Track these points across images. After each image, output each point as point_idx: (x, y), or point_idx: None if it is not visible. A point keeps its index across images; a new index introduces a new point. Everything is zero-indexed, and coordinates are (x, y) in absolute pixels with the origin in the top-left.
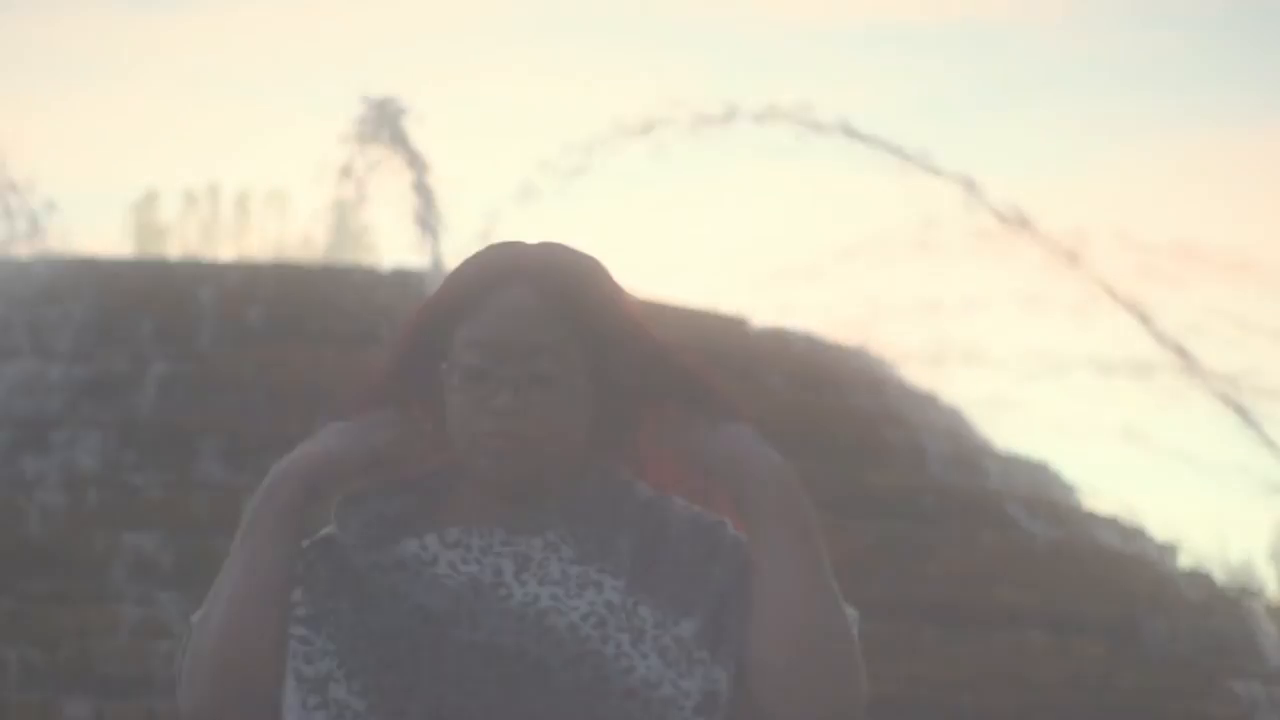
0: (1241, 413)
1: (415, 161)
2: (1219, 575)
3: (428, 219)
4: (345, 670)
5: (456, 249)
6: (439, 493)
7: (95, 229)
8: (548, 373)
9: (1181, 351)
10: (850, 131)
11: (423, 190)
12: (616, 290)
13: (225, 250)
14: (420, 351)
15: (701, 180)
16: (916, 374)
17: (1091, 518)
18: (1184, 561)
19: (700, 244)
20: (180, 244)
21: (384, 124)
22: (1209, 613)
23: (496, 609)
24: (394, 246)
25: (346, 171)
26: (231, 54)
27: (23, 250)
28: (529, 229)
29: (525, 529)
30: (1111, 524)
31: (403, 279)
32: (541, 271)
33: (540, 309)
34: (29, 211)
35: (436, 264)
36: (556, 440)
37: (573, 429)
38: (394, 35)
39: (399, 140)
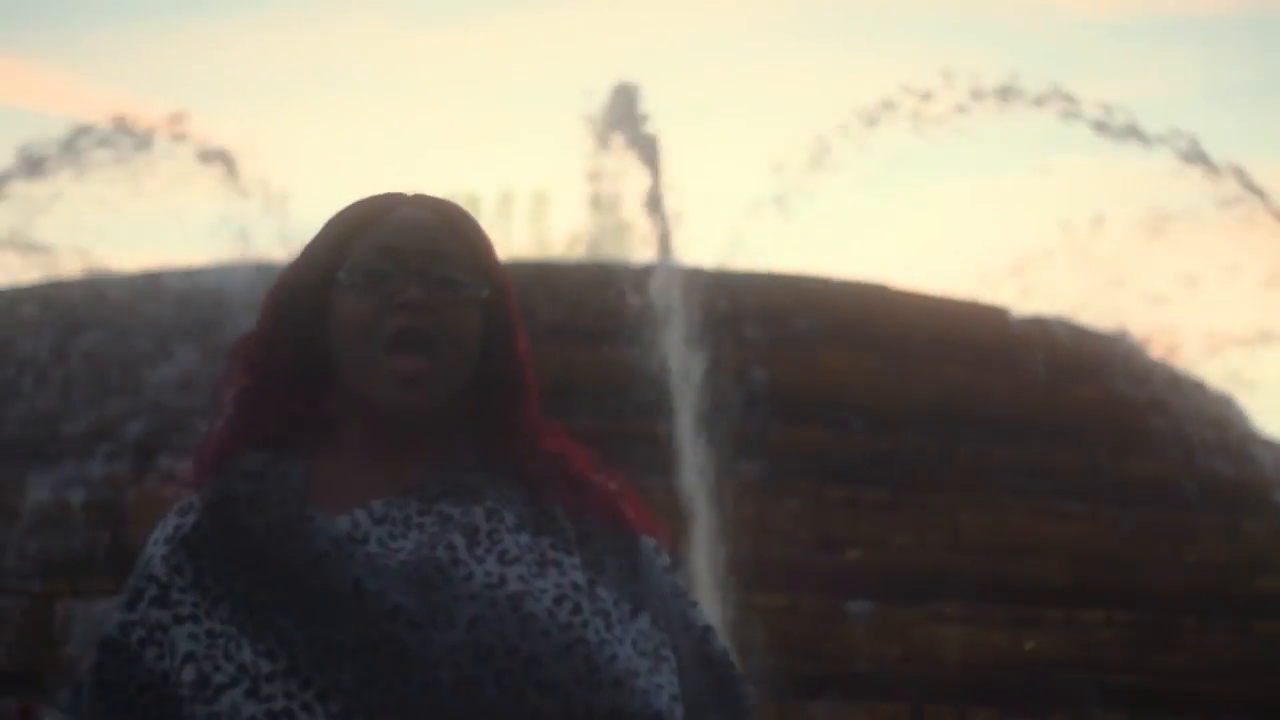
0: None
1: (647, 153)
2: None
3: (657, 210)
4: (314, 692)
5: (695, 241)
6: (311, 458)
7: None
8: (454, 278)
9: None
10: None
11: (652, 182)
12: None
13: None
14: (305, 291)
15: (945, 169)
16: (1185, 360)
17: None
18: None
19: (949, 234)
20: None
21: (621, 120)
22: None
23: (463, 594)
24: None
25: (595, 168)
26: (493, 61)
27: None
28: (784, 215)
29: (445, 495)
30: None
31: (607, 272)
32: (433, 201)
33: (440, 224)
34: (287, 223)
35: (666, 254)
36: (462, 356)
37: (471, 353)
38: (645, 32)
39: (634, 134)
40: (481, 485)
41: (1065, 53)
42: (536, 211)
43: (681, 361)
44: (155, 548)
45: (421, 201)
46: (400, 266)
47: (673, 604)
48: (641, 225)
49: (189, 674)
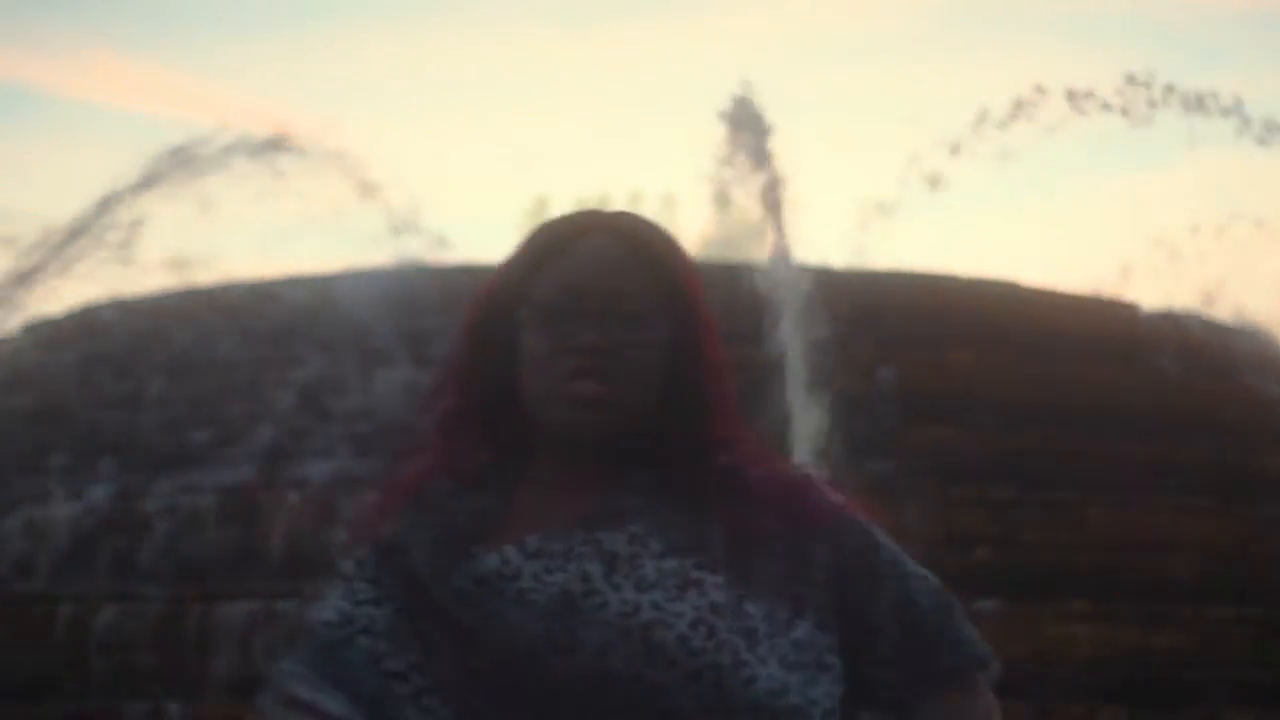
0: None
1: (762, 153)
2: None
3: (772, 212)
4: (453, 710)
5: (822, 239)
6: (504, 489)
7: (500, 242)
8: (635, 313)
9: None
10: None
11: (769, 183)
12: (693, 263)
13: None
14: (496, 319)
15: (1076, 166)
16: None
17: None
18: None
19: (1080, 231)
20: None
21: (744, 122)
22: None
23: (596, 621)
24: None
25: (720, 170)
26: (627, 65)
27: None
28: (912, 214)
29: (603, 523)
30: None
31: (734, 272)
32: (626, 225)
33: (626, 256)
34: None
35: (790, 254)
36: (640, 388)
37: (650, 385)
38: (777, 31)
39: (757, 135)
40: (636, 509)
41: (1202, 45)
42: (665, 212)
43: (809, 361)
44: (353, 553)
45: (614, 226)
46: (580, 307)
47: (885, 585)
48: (768, 226)
49: (364, 640)
